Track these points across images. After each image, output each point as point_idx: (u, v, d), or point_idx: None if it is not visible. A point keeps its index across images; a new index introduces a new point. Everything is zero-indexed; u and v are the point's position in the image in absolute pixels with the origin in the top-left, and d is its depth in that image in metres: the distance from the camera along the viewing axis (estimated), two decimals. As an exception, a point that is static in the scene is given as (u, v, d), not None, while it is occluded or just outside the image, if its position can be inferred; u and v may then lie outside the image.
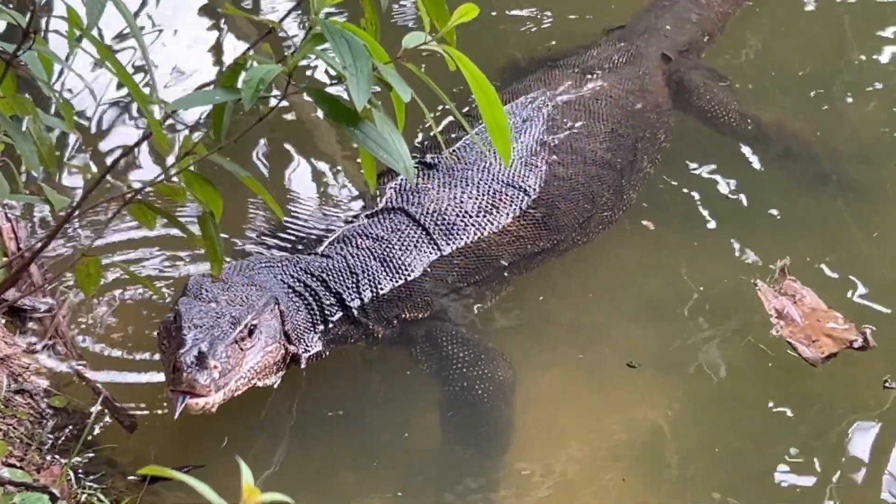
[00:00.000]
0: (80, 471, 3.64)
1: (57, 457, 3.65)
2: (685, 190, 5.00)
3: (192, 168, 3.04)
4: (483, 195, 4.41)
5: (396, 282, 4.22)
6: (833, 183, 5.00)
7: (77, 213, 3.06)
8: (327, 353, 4.11)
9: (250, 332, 3.72)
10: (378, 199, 4.45)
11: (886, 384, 4.27)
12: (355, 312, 4.15)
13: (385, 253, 4.24)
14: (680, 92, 5.13)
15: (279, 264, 4.10)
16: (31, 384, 3.84)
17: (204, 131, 4.73)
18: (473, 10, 2.92)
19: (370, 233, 4.29)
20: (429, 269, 4.29)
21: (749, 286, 4.44)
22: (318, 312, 4.09)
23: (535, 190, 4.48)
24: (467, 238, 4.35)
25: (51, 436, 3.73)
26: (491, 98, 3.00)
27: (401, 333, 4.23)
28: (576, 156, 4.63)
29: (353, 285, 4.16)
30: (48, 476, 3.48)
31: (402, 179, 4.42)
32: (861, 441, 4.12)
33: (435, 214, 4.34)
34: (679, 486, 3.99)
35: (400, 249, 4.27)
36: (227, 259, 4.68)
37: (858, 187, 4.99)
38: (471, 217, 4.37)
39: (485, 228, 4.37)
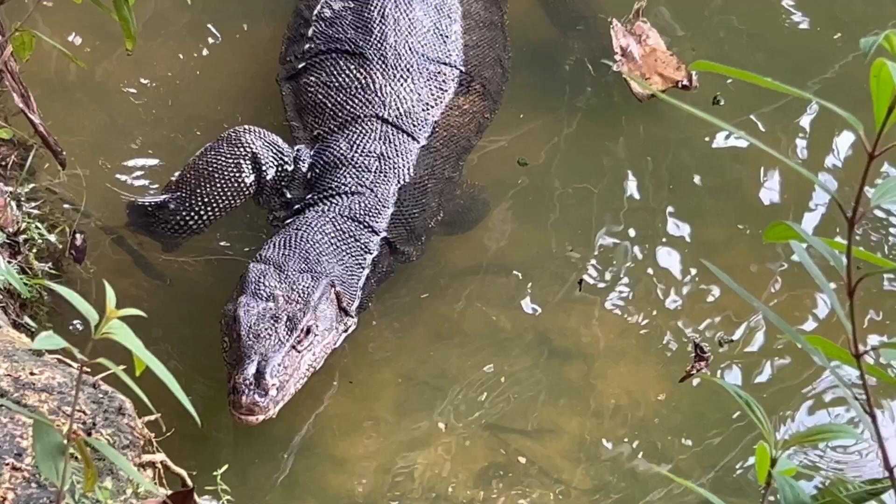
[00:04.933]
0: (22, 199, 4.21)
1: (1, 184, 4.21)
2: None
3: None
4: (430, 80, 4.51)
5: (415, 195, 4.37)
6: None
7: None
8: (370, 304, 4.26)
9: (307, 332, 3.90)
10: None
11: (722, 342, 4.42)
12: (398, 245, 4.31)
13: (397, 171, 4.34)
14: None
15: (328, 223, 4.17)
16: (-22, 117, 4.35)
17: None
18: None
19: (371, 150, 4.35)
20: (431, 171, 4.42)
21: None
22: (370, 263, 4.21)
23: (462, 63, 4.60)
24: (440, 128, 4.48)
25: (-3, 165, 4.29)
26: None
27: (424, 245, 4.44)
28: (469, 20, 4.70)
29: (390, 217, 4.28)
30: (-7, 206, 4.05)
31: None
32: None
33: (406, 115, 4.43)
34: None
35: (403, 161, 4.37)
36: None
37: None
38: (432, 106, 4.48)
39: (448, 113, 4.52)
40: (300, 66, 4.62)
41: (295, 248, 4.07)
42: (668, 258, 4.59)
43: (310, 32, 4.66)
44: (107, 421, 3.09)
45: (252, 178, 4.34)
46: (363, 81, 4.48)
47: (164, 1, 5.17)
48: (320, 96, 4.52)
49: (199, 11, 5.13)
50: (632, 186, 4.78)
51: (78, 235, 4.19)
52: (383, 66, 4.50)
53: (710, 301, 4.47)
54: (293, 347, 3.84)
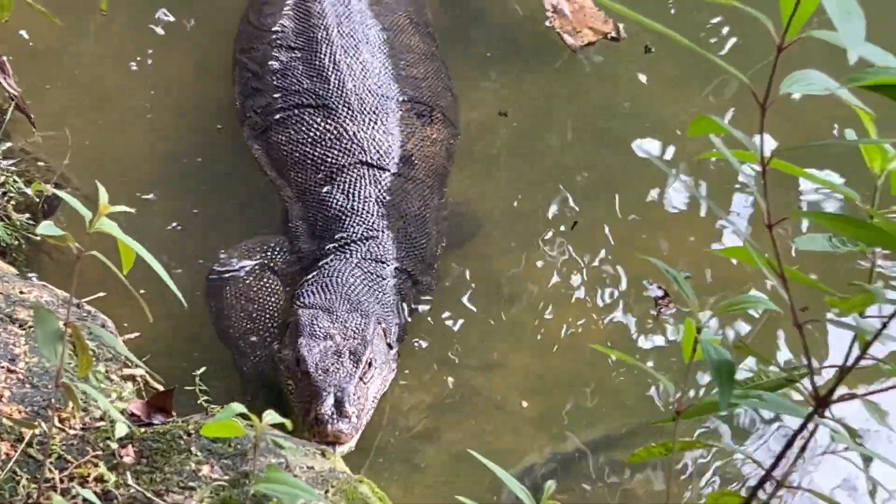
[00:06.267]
0: (-1, 157, 4.49)
1: (-22, 144, 4.48)
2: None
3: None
4: (396, 117, 4.68)
5: (418, 226, 4.56)
6: None
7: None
8: (406, 336, 4.41)
9: (369, 366, 4.04)
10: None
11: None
12: (418, 276, 4.48)
13: (397, 209, 4.51)
14: None
15: (356, 268, 4.32)
16: (-45, 81, 4.59)
17: None
18: None
19: (367, 195, 4.49)
20: (423, 201, 4.59)
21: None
22: (401, 298, 4.38)
23: (419, 96, 4.81)
24: (419, 160, 4.65)
25: (-26, 127, 4.53)
26: None
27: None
28: (412, 55, 4.92)
29: (406, 252, 4.47)
30: (-28, 161, 4.30)
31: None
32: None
33: (387, 154, 4.59)
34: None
35: (398, 199, 4.54)
36: None
37: None
38: (406, 141, 4.65)
39: (422, 145, 4.70)
40: (264, 125, 4.74)
41: (335, 291, 4.22)
42: (608, 211, 4.89)
43: (263, 86, 4.80)
44: (90, 336, 3.33)
45: (269, 273, 4.44)
46: (336, 132, 4.61)
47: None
48: (297, 154, 4.63)
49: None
50: (572, 141, 5.14)
51: (48, 186, 4.44)
52: (349, 112, 4.63)
53: (652, 247, 4.77)
54: (360, 379, 3.98)
